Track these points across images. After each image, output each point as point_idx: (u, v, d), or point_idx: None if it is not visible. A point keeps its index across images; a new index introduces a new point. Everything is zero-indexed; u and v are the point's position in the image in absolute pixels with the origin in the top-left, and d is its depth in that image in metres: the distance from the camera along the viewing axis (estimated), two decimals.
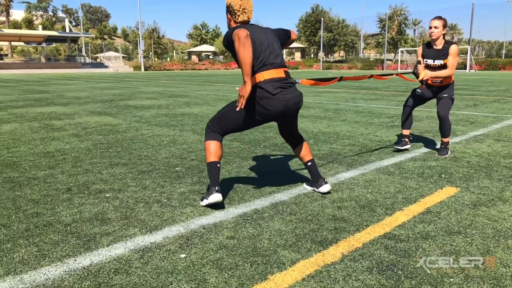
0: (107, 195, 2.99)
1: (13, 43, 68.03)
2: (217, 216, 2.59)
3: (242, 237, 2.27)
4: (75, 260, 2.02)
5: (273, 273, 1.88)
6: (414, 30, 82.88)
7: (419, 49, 4.28)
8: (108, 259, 2.02)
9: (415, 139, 5.04)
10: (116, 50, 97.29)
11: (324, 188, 2.95)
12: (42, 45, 58.88)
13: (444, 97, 4.13)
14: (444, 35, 4.03)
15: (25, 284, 1.80)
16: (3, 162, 4.03)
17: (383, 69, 48.15)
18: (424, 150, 4.44)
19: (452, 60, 4.00)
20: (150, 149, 4.56)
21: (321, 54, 58.35)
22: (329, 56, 73.40)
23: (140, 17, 51.35)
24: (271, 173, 3.58)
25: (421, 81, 4.11)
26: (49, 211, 2.67)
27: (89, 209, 2.71)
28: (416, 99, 4.35)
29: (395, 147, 4.32)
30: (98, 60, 68.01)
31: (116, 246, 2.16)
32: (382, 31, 63.40)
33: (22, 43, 63.83)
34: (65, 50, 76.83)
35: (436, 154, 4.15)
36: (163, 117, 7.24)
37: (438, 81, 4.14)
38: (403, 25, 61.96)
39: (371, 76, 3.76)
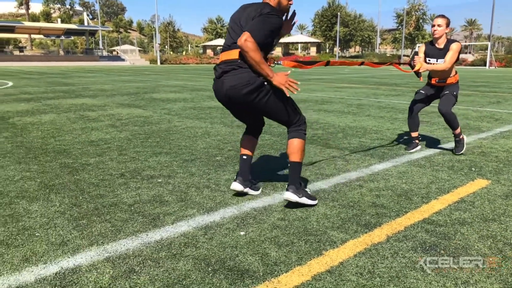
0: (159, 180, 3.24)
1: (31, 36, 69.29)
2: (265, 200, 2.81)
3: (292, 219, 2.49)
4: (147, 235, 2.27)
5: (327, 250, 2.10)
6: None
7: (422, 47, 4.21)
8: (175, 235, 2.26)
9: (442, 134, 5.18)
10: (132, 44, 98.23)
11: (251, 191, 2.90)
12: (60, 38, 59.87)
13: (446, 94, 4.07)
14: (447, 34, 3.98)
15: (109, 253, 2.05)
16: (54, 149, 4.32)
17: (400, 63, 47.60)
18: (452, 145, 4.58)
19: (451, 55, 3.89)
20: (187, 140, 4.80)
21: (337, 49, 58.03)
22: (345, 51, 72.94)
23: (157, 11, 51.62)
24: (307, 164, 3.78)
25: (417, 74, 3.99)
26: (110, 193, 2.93)
27: (146, 192, 2.96)
28: (420, 100, 4.28)
29: (406, 150, 4.29)
30: (114, 53, 68.81)
31: (180, 224, 2.40)
32: (399, 27, 62.73)
33: (40, 36, 65.01)
34: (81, 43, 78.01)
35: (453, 152, 4.13)
36: (191, 110, 7.49)
37: (441, 80, 4.10)
38: (421, 20, 61.12)
39: (363, 63, 3.71)
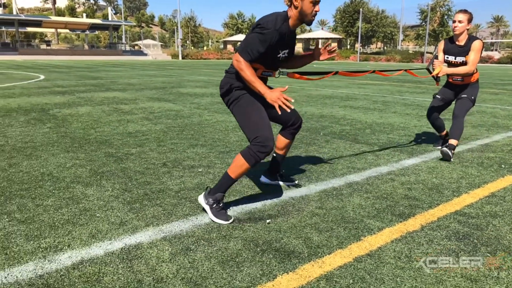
0: (200, 170, 3.45)
1: (57, 30, 70.95)
2: (301, 191, 2.98)
3: (329, 208, 2.65)
4: (197, 218, 2.47)
5: (365, 236, 2.25)
6: None
7: (440, 44, 4.01)
8: (210, 221, 2.45)
9: (470, 132, 5.22)
10: (153, 38, 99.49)
11: (281, 183, 3.09)
12: (85, 32, 61.17)
13: (463, 98, 3.88)
14: (468, 30, 3.77)
15: (165, 233, 2.26)
16: (96, 139, 4.59)
17: (422, 62, 46.89)
18: (480, 142, 4.64)
19: (473, 56, 3.69)
20: (220, 133, 5.00)
21: (358, 46, 57.41)
22: (366, 47, 72.07)
23: (179, 5, 52.08)
24: (338, 157, 3.92)
25: (436, 79, 3.85)
26: (156, 181, 3.15)
27: (190, 181, 3.17)
28: (438, 105, 4.11)
29: (434, 146, 4.33)
30: (136, 47, 69.84)
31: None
32: (423, 23, 61.54)
33: (65, 30, 66.54)
34: (104, 38, 79.47)
35: (433, 146, 4.20)
36: (219, 105, 7.69)
37: (458, 79, 3.90)
38: (445, 17, 59.80)
39: (374, 71, 3.57)
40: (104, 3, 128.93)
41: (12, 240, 2.16)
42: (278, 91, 2.35)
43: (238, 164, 2.45)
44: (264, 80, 2.62)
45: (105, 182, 3.10)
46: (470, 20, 3.72)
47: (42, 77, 15.26)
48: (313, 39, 74.62)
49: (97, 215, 2.49)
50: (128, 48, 63.47)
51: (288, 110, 2.32)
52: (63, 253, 2.03)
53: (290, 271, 1.89)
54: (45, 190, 2.92)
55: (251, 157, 2.41)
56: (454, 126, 3.85)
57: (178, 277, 1.83)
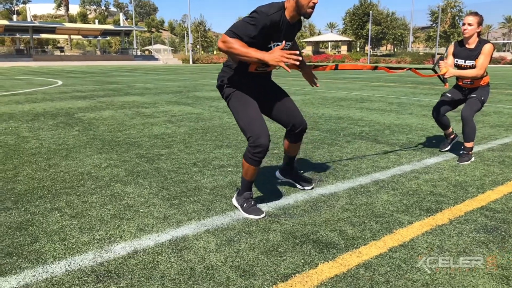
0: (229, 169, 3.60)
1: (67, 37, 72.13)
2: (329, 188, 3.11)
3: (358, 203, 2.78)
4: (235, 213, 2.62)
5: (396, 229, 2.37)
6: None
7: (450, 47, 3.97)
8: (248, 216, 2.59)
9: (489, 132, 5.29)
10: (163, 43, 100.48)
11: (297, 184, 3.07)
12: (97, 38, 62.12)
13: (472, 97, 3.81)
14: (478, 33, 3.68)
15: (208, 226, 2.41)
16: (125, 141, 4.77)
17: (433, 63, 46.55)
18: (499, 142, 4.72)
19: (483, 59, 3.62)
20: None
21: (368, 48, 57.29)
22: (376, 49, 71.86)
23: (190, 10, 52.65)
24: (361, 157, 4.04)
25: (443, 80, 3.82)
26: (190, 179, 3.31)
27: (222, 179, 3.32)
28: (446, 104, 4.02)
29: (440, 150, 4.20)
30: (147, 52, 70.64)
31: (261, 205, 2.73)
32: (434, 24, 61.20)
33: (78, 36, 67.64)
34: (115, 43, 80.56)
35: (456, 161, 3.83)
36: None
37: (468, 82, 3.83)
38: (456, 18, 59.40)
39: (376, 67, 3.50)
40: (115, 9, 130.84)
41: (67, 232, 2.33)
42: (277, 50, 2.21)
43: (245, 167, 2.54)
44: (259, 76, 2.56)
45: (142, 181, 3.27)
46: (480, 23, 3.64)
47: (60, 82, 15.62)
48: (323, 42, 74.72)
49: (140, 210, 2.65)
50: (139, 53, 64.26)
51: (297, 63, 2.19)
52: (117, 244, 2.19)
53: (330, 260, 2.02)
54: (88, 188, 3.10)
55: (249, 159, 2.45)
56: (466, 128, 3.76)
57: (227, 265, 1.97)
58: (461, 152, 3.86)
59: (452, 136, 4.19)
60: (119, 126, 5.85)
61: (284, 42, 2.31)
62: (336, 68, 3.21)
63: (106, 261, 2.01)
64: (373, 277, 1.87)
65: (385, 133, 5.25)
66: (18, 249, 2.13)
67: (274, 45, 2.41)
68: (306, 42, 71.00)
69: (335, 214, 2.60)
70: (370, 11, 57.98)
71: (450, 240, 2.23)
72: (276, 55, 2.19)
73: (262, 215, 2.52)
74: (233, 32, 2.24)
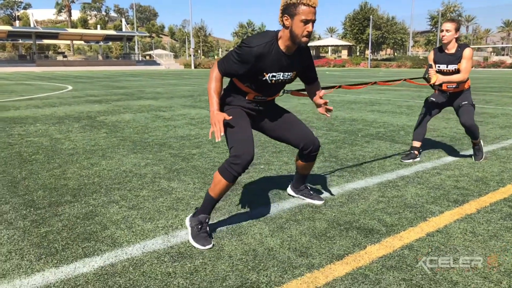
0: (261, 167, 3.83)
1: (68, 42, 72.55)
2: (360, 183, 3.34)
3: (390, 196, 3.02)
4: (278, 204, 2.85)
5: (430, 217, 2.61)
6: (467, 27, 79.71)
7: (430, 54, 4.08)
8: (301, 205, 2.83)
9: (500, 132, 5.54)
10: (164, 48, 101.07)
11: (306, 199, 2.92)
12: (99, 43, 62.51)
13: (464, 105, 3.92)
14: (456, 39, 3.83)
15: (257, 216, 2.64)
16: (154, 142, 5.01)
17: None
18: (511, 141, 4.96)
19: (466, 63, 3.77)
20: (264, 136, 5.37)
21: (368, 52, 57.74)
22: (376, 54, 72.41)
23: (192, 16, 53.08)
24: (383, 155, 4.28)
25: (433, 86, 3.93)
26: None
27: (257, 175, 3.55)
28: (431, 108, 4.12)
29: (401, 160, 4.04)
30: (148, 57, 71.04)
31: (290, 201, 2.96)
32: (433, 29, 61.71)
33: (79, 42, 68.04)
34: (116, 48, 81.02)
35: (474, 160, 4.01)
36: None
37: (453, 86, 3.94)
38: None
39: (375, 82, 3.75)
40: (116, 15, 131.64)
41: (131, 221, 2.56)
42: (220, 116, 2.20)
43: (216, 181, 2.28)
44: (259, 104, 2.51)
45: (184, 177, 3.50)
46: (457, 29, 3.81)
47: (70, 87, 15.87)
48: (323, 46, 75.27)
49: (191, 203, 2.89)
50: (140, 58, 64.65)
51: (217, 139, 2.15)
52: (180, 231, 2.42)
53: (376, 243, 2.26)
54: (135, 184, 3.33)
55: (226, 171, 2.24)
56: (472, 130, 3.87)
57: (284, 247, 2.21)
58: (474, 151, 4.06)
59: (416, 152, 4.08)
60: (143, 128, 6.08)
61: (231, 117, 2.29)
62: (339, 87, 3.38)
63: (175, 245, 2.24)
64: (417, 256, 2.10)
65: (400, 134, 5.50)
66: (93, 235, 2.36)
67: (269, 77, 2.33)
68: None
69: (370, 205, 2.83)
70: (371, 16, 58.49)
71: (480, 226, 2.46)
72: (215, 118, 2.20)
73: (208, 246, 2.20)
74: (221, 65, 2.30)
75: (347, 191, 3.13)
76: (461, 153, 4.39)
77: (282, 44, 2.27)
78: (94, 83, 18.64)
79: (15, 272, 1.96)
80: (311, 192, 2.94)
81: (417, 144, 4.11)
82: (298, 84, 3.11)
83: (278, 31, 2.29)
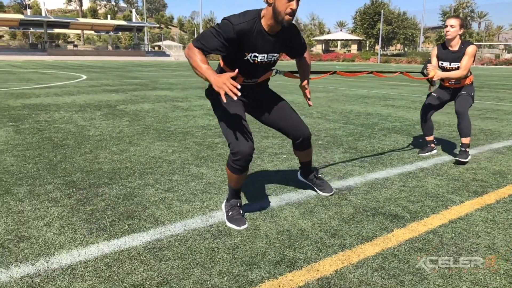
0: (284, 156, 3.98)
1: (78, 32, 72.88)
2: (381, 173, 3.48)
3: (411, 186, 3.15)
4: (305, 191, 3.00)
5: (451, 206, 2.74)
6: (479, 24, 78.72)
7: (434, 50, 4.03)
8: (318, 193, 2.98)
9: None
10: (173, 39, 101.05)
11: (315, 187, 2.93)
12: (109, 33, 62.76)
13: (462, 94, 3.90)
14: (461, 35, 3.79)
15: (286, 201, 2.79)
16: (177, 131, 5.17)
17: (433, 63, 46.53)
18: None
19: (466, 60, 3.73)
20: None
21: (378, 47, 57.36)
22: (385, 49, 71.90)
23: (202, 7, 53.00)
24: (401, 148, 4.40)
25: (430, 82, 3.87)
26: (253, 164, 3.68)
27: (281, 164, 3.70)
28: (433, 103, 4.10)
29: (419, 154, 4.13)
30: (156, 48, 71.18)
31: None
32: (445, 25, 61.06)
33: (89, 32, 68.33)
34: (125, 39, 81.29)
35: (454, 161, 3.85)
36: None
37: (453, 82, 3.92)
38: (468, 18, 59.24)
39: (371, 72, 3.70)
40: (125, 5, 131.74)
41: (168, 202, 2.73)
42: (225, 76, 2.00)
43: (228, 174, 2.42)
44: (250, 88, 2.47)
45: (211, 164, 3.66)
46: (462, 26, 3.78)
47: (84, 76, 16.09)
48: (332, 40, 74.85)
49: (223, 187, 3.05)
50: (150, 49, 64.80)
51: (235, 98, 1.96)
52: (216, 212, 2.58)
53: (402, 227, 2.40)
54: (166, 169, 3.50)
55: (231, 167, 2.32)
56: (462, 123, 3.82)
57: (316, 229, 2.36)
58: (461, 148, 3.83)
59: (432, 145, 4.17)
60: (164, 118, 6.25)
61: (236, 70, 2.06)
62: (334, 73, 3.29)
63: (214, 224, 2.41)
64: (442, 240, 2.24)
65: (416, 128, 5.61)
66: (135, 214, 2.53)
67: (250, 57, 2.26)
68: (316, 40, 71.11)
69: (393, 194, 2.97)
70: (382, 11, 58.02)
71: (500, 215, 2.60)
72: (220, 80, 1.99)
73: (243, 226, 2.34)
74: (199, 41, 2.15)
75: (370, 181, 3.27)
76: (479, 147, 4.50)
77: (265, 23, 2.20)
78: (107, 73, 18.85)
79: (71, 243, 2.14)
80: (320, 182, 2.92)
81: (430, 138, 4.18)
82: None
83: (261, 9, 2.22)
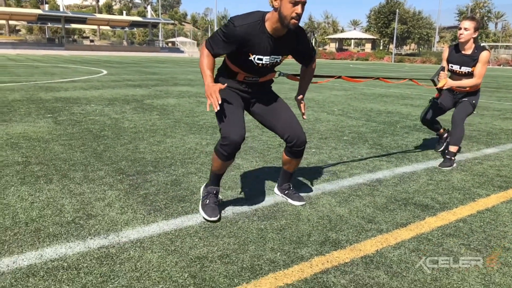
0: (313, 151, 4.18)
1: (94, 27, 73.80)
2: (408, 168, 3.66)
3: (438, 180, 3.33)
4: (338, 182, 3.20)
5: (478, 199, 2.92)
6: (496, 24, 77.58)
7: (445, 51, 3.86)
8: (358, 183, 3.17)
9: None
10: (186, 36, 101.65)
11: (289, 199, 2.78)
12: (124, 29, 63.46)
13: (463, 101, 3.80)
14: (475, 39, 3.63)
15: (321, 190, 2.99)
16: (206, 125, 5.40)
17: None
18: None
19: (480, 68, 3.59)
20: (307, 124, 5.73)
21: (392, 47, 56.99)
22: (399, 48, 71.37)
23: (216, 4, 53.31)
24: (424, 145, 4.57)
25: (440, 90, 3.79)
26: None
27: (311, 157, 3.91)
28: (436, 109, 4.00)
29: (436, 151, 4.22)
30: (170, 45, 71.77)
31: (354, 178, 3.30)
32: None
33: (105, 27, 69.20)
34: (139, 35, 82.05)
35: (438, 165, 3.72)
36: (287, 100, 8.41)
37: (463, 87, 3.76)
38: (485, 18, 58.46)
39: (377, 78, 3.76)
40: (139, 1, 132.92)
41: None
42: (215, 87, 2.16)
43: (213, 159, 2.44)
44: (251, 85, 2.49)
45: (246, 156, 3.88)
46: (477, 28, 3.59)
47: (104, 71, 16.46)
48: (346, 39, 74.54)
49: (260, 177, 3.26)
50: (164, 45, 65.39)
51: (215, 109, 2.16)
52: (258, 197, 2.80)
53: (432, 216, 2.59)
54: (204, 159, 3.73)
55: (218, 151, 2.36)
56: (455, 132, 3.75)
57: (353, 215, 2.56)
58: (446, 156, 3.74)
59: (445, 136, 4.18)
60: (191, 112, 6.49)
61: (225, 84, 2.28)
62: (339, 77, 3.29)
63: (260, 208, 2.63)
64: (471, 228, 2.43)
65: None
66: (185, 198, 2.77)
67: (254, 58, 2.30)
68: (329, 39, 70.89)
69: (421, 186, 3.16)
70: (397, 10, 57.59)
71: None
72: (209, 90, 2.17)
73: (214, 218, 2.38)
74: (210, 43, 2.31)
75: (398, 174, 3.46)
76: (500, 146, 4.64)
77: (269, 26, 2.23)
78: (126, 68, 19.22)
79: (135, 222, 2.38)
80: (294, 192, 2.80)
81: (441, 131, 4.19)
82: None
83: (265, 12, 2.26)
